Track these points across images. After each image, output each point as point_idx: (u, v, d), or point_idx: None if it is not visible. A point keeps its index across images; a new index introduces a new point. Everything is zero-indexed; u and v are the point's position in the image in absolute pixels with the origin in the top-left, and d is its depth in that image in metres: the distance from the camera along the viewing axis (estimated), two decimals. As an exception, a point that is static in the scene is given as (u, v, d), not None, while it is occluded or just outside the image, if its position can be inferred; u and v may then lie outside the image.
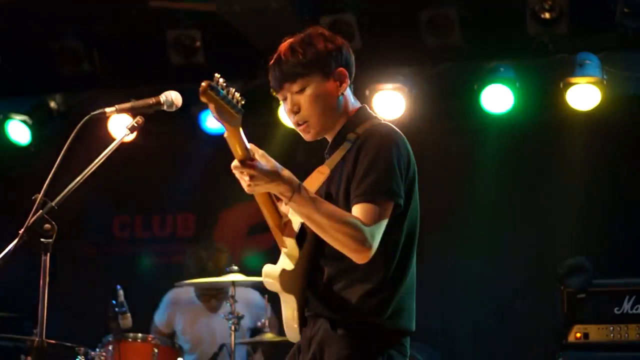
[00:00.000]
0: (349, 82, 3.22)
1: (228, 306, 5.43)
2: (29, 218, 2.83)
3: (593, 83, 6.20)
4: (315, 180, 3.15)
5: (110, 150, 3.03)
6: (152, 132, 6.94)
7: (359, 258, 2.97)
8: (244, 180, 2.93)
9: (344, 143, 3.16)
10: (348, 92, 3.24)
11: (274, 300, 5.74)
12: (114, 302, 5.47)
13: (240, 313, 5.44)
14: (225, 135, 2.85)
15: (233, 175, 2.94)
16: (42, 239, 2.84)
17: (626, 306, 5.59)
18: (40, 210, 2.84)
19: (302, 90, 3.16)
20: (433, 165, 6.79)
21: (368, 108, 3.30)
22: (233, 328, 5.39)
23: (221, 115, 2.78)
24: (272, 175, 2.91)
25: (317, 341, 3.10)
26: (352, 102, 3.27)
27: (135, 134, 3.11)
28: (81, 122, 2.99)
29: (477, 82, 6.47)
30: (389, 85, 6.51)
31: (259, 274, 3.08)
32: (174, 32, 6.59)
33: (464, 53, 6.46)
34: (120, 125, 6.57)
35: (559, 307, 5.73)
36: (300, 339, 3.19)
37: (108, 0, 6.48)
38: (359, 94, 6.54)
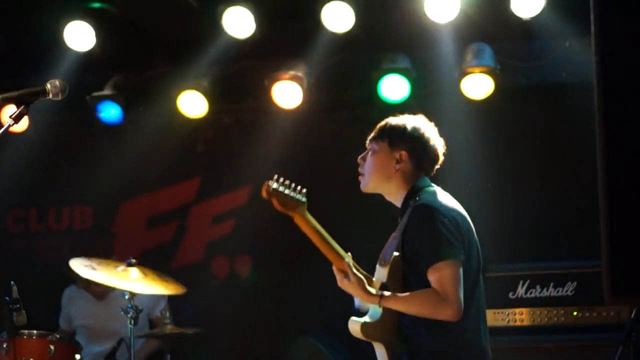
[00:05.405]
0: (410, 166, 3.80)
1: (125, 299, 5.36)
2: None
3: (486, 72, 6.33)
4: (391, 244, 3.72)
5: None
6: (47, 123, 6.80)
7: (451, 319, 3.57)
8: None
9: (407, 210, 3.72)
10: (409, 171, 3.80)
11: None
12: (7, 298, 5.33)
13: (140, 306, 5.38)
14: (296, 221, 3.45)
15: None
16: None
17: (520, 291, 5.72)
18: None
19: (373, 150, 3.83)
20: (332, 155, 6.83)
21: (426, 179, 3.85)
22: (132, 322, 5.33)
23: (286, 207, 3.39)
24: (357, 292, 3.64)
25: None
26: (417, 177, 3.81)
27: (25, 124, 3.05)
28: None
29: (375, 72, 6.52)
30: (286, 75, 6.51)
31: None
32: (69, 21, 6.43)
33: (362, 43, 6.51)
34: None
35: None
36: None
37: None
38: (258, 83, 6.62)
